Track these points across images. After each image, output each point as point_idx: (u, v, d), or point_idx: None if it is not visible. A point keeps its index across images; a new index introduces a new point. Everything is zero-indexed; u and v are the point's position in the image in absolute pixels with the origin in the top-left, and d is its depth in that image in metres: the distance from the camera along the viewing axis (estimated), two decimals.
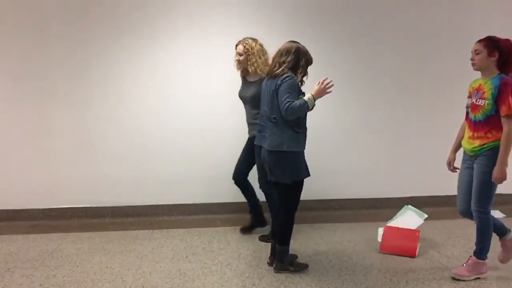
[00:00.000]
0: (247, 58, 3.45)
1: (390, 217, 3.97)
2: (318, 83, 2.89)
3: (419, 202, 4.59)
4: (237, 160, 3.73)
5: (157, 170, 4.28)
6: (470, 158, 2.88)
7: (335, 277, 3.00)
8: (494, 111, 2.69)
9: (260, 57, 3.44)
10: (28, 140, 4.18)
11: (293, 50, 2.89)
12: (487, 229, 2.85)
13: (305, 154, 3.05)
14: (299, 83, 2.94)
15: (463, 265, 2.98)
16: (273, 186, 3.48)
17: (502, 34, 4.49)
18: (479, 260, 2.91)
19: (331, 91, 2.93)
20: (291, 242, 3.10)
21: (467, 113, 2.90)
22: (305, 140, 2.98)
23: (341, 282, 2.92)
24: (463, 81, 4.54)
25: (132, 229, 4.01)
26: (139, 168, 4.27)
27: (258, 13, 4.27)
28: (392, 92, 4.48)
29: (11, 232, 3.93)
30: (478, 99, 2.76)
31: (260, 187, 3.57)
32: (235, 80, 4.33)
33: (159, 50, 4.18)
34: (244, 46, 3.45)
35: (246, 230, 3.86)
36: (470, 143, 2.84)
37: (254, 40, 3.49)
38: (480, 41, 2.76)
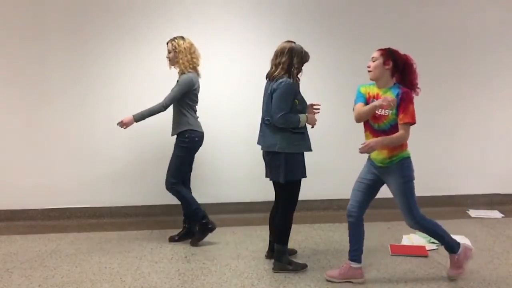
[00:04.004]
0: (175, 56, 3.49)
1: (389, 217, 3.97)
2: (315, 114, 3.10)
3: (418, 202, 4.58)
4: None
5: (156, 171, 4.27)
6: (376, 168, 2.85)
7: None
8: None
9: (186, 55, 3.48)
10: (27, 141, 4.18)
11: (286, 50, 2.94)
12: (435, 227, 2.85)
13: (306, 154, 3.06)
14: (296, 82, 2.99)
15: (449, 266, 2.94)
16: (179, 185, 3.55)
17: (499, 34, 4.52)
18: (456, 254, 2.87)
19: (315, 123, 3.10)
20: (290, 242, 3.10)
21: (367, 120, 2.82)
22: (305, 141, 3.01)
23: (339, 281, 2.91)
24: (459, 81, 4.59)
25: (131, 229, 4.01)
26: (138, 169, 4.27)
27: (257, 13, 4.27)
28: None
29: (10, 232, 3.93)
30: (380, 109, 2.72)
31: (168, 187, 3.59)
32: (235, 81, 4.34)
33: (158, 52, 4.17)
34: (172, 44, 3.50)
35: (174, 239, 3.71)
36: (378, 153, 2.78)
37: (183, 38, 3.53)
38: (378, 50, 2.78)
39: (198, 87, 3.57)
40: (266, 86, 3.07)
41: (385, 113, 2.71)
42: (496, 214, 4.38)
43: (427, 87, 4.51)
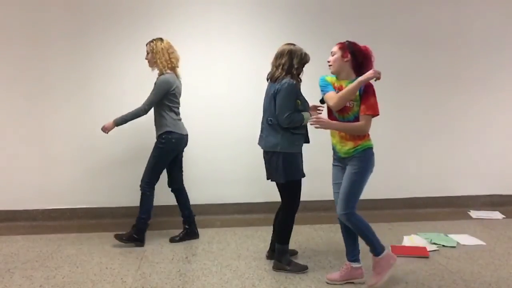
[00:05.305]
0: (153, 57, 3.49)
1: (390, 218, 3.97)
2: (318, 114, 3.08)
3: (419, 203, 4.61)
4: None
5: None
6: (341, 159, 2.82)
7: None
8: None
9: (164, 55, 3.46)
10: (28, 141, 4.19)
11: (286, 52, 2.99)
12: (363, 227, 2.80)
13: (306, 154, 3.10)
14: (298, 82, 3.02)
15: (373, 271, 2.85)
16: (151, 188, 3.56)
17: (499, 35, 4.53)
18: (379, 258, 2.81)
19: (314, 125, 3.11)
20: (291, 243, 3.11)
21: (331, 111, 2.81)
22: (303, 141, 3.07)
23: (340, 283, 2.92)
24: (459, 82, 4.59)
25: None
26: (138, 169, 4.26)
27: (257, 14, 4.28)
28: (392, 92, 4.49)
29: (11, 233, 3.93)
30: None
31: (140, 186, 3.60)
32: (236, 81, 4.35)
33: None
34: (150, 45, 3.50)
35: (174, 240, 3.73)
36: (343, 144, 2.76)
37: (161, 39, 3.52)
38: (337, 43, 2.79)
39: (177, 87, 3.53)
40: (268, 87, 3.10)
41: (349, 104, 2.70)
42: (497, 215, 4.38)
43: (427, 88, 4.57)
